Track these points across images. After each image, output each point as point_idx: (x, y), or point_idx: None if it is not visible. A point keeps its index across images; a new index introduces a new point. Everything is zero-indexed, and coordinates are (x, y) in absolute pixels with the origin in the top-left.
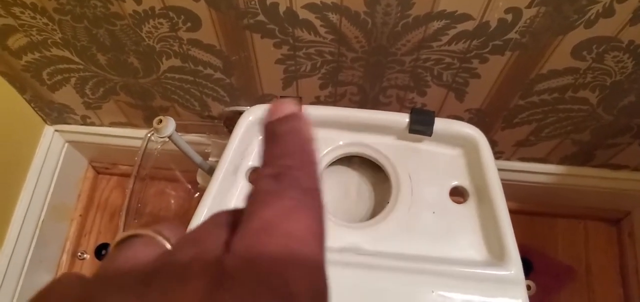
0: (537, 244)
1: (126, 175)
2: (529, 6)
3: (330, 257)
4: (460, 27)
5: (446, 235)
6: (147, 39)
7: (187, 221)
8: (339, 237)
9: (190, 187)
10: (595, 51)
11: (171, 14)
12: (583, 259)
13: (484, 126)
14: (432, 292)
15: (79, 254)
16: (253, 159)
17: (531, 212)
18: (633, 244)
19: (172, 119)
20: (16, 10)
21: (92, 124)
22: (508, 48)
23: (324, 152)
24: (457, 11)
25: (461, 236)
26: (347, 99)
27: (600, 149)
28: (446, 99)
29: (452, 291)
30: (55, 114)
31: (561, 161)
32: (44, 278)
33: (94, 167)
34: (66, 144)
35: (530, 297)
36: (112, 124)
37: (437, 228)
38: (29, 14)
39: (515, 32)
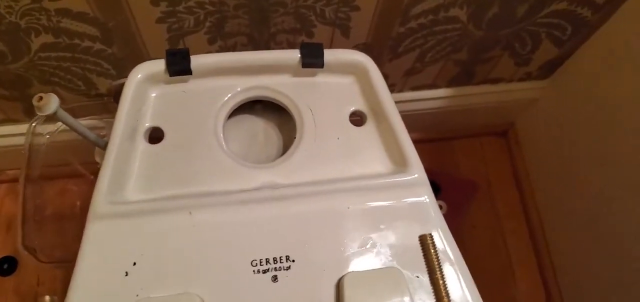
0: (442, 167)
1: (15, 180)
2: None
3: (246, 197)
4: None
5: (352, 156)
6: (7, 16)
7: None
8: (253, 178)
9: (93, 178)
10: None
11: None
12: (483, 172)
13: (372, 59)
14: (348, 208)
15: None
16: (150, 118)
17: (431, 139)
18: (520, 150)
19: (54, 95)
20: None
21: None
22: None
23: (224, 99)
24: None
25: (366, 154)
26: (237, 50)
27: (478, 65)
28: (333, 37)
29: (365, 202)
30: None
31: (448, 84)
32: None
33: None
34: None
35: (444, 216)
36: None
37: (343, 151)
38: None
39: None
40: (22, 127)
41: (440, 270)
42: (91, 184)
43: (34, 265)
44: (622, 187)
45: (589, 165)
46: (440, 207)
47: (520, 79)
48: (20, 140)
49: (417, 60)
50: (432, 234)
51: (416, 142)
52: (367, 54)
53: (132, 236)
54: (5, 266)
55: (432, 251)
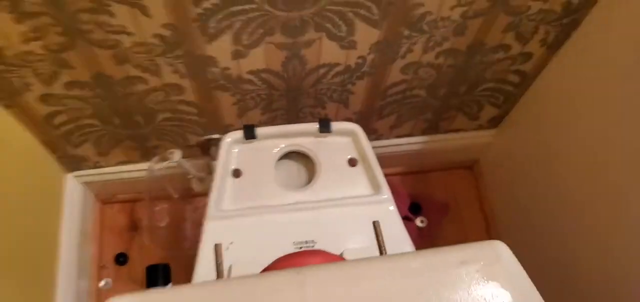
0: (422, 193)
1: (125, 201)
2: (369, 53)
3: (288, 208)
4: (336, 69)
5: (350, 184)
6: (149, 104)
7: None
8: (290, 197)
9: (177, 196)
10: (412, 69)
11: (167, 88)
12: (454, 197)
13: (365, 121)
14: (347, 214)
15: (103, 264)
16: (234, 163)
17: (414, 172)
18: (483, 181)
19: (178, 150)
20: (67, 101)
21: (100, 166)
22: (365, 76)
23: (275, 151)
24: (332, 61)
25: (358, 183)
26: (279, 118)
27: (441, 121)
28: (338, 108)
29: (357, 209)
30: (74, 164)
31: (422, 133)
32: (85, 283)
33: (99, 200)
34: (82, 186)
35: (424, 228)
36: (117, 163)
37: (345, 181)
38: (75, 102)
39: (366, 67)
40: (134, 166)
41: (383, 243)
42: (179, 204)
43: (139, 258)
44: (562, 208)
45: (534, 190)
46: (422, 221)
47: (475, 129)
48: (130, 174)
49: (397, 119)
50: (380, 221)
51: (401, 174)
52: (361, 117)
53: (229, 228)
54: (121, 259)
55: (379, 231)
